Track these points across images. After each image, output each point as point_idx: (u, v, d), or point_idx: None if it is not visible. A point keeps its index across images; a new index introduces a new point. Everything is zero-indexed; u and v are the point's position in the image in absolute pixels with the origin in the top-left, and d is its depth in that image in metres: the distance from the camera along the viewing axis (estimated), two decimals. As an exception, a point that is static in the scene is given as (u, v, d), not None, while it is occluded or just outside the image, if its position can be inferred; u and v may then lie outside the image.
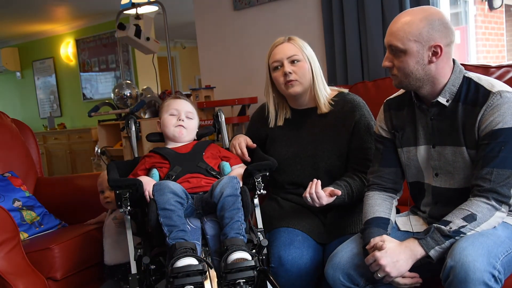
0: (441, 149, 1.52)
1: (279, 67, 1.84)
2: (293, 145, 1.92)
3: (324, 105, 1.88)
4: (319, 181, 1.62)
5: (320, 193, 1.60)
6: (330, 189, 1.64)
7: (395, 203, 1.65)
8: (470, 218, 1.36)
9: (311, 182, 1.63)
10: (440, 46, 1.42)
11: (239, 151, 1.92)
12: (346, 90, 1.96)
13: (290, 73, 1.81)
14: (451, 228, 1.36)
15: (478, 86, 1.46)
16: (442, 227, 1.37)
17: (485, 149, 1.40)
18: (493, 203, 1.37)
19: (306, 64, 1.84)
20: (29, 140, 2.74)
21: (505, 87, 1.44)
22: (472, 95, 1.45)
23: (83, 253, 2.11)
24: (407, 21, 1.42)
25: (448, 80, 1.48)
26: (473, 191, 1.42)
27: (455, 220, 1.37)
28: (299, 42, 1.86)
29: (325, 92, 1.89)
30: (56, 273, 1.98)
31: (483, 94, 1.43)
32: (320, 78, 1.88)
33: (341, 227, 1.80)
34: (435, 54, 1.43)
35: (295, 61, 1.83)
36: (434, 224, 1.39)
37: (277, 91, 1.92)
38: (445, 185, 1.53)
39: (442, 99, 1.48)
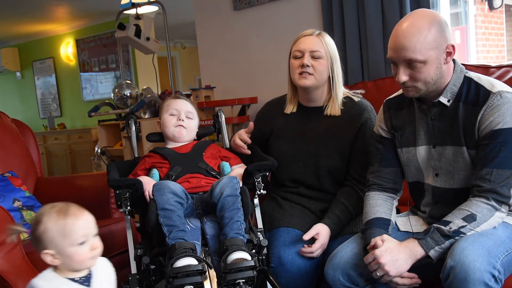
0: (442, 149, 1.52)
1: (299, 56, 1.85)
2: (296, 143, 1.93)
3: (338, 107, 1.88)
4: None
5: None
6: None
7: (395, 203, 1.65)
8: (470, 218, 1.36)
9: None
10: (452, 45, 1.43)
11: (239, 141, 1.91)
12: (359, 95, 1.95)
13: (307, 65, 1.82)
14: (451, 228, 1.36)
15: (478, 86, 1.46)
16: (442, 227, 1.37)
17: (484, 149, 1.41)
18: (493, 203, 1.37)
19: (326, 62, 1.84)
20: (29, 140, 2.74)
21: (505, 87, 1.44)
22: (473, 95, 1.46)
23: (83, 253, 2.10)
24: (418, 31, 1.40)
25: (450, 80, 1.48)
26: (473, 191, 1.42)
27: (455, 220, 1.37)
28: (326, 39, 1.85)
29: (341, 95, 1.90)
30: (56, 273, 1.98)
31: (484, 94, 1.43)
32: (340, 79, 1.88)
33: (340, 226, 1.80)
34: (449, 54, 1.44)
35: (317, 57, 1.83)
36: (434, 224, 1.39)
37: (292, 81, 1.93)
38: (445, 185, 1.54)
39: (443, 99, 1.48)
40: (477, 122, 1.43)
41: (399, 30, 1.43)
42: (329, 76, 1.87)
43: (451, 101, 1.49)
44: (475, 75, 1.50)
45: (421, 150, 1.58)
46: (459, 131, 1.47)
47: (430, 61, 1.41)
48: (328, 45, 1.84)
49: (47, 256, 1.21)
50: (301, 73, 1.84)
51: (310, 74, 1.83)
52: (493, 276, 1.26)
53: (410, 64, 1.42)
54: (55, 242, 1.21)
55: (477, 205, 1.38)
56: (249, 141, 1.92)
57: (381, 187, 1.64)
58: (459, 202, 1.44)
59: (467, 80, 1.49)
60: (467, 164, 1.48)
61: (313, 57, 1.83)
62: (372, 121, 1.86)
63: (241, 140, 1.92)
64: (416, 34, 1.39)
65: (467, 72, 1.51)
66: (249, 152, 1.91)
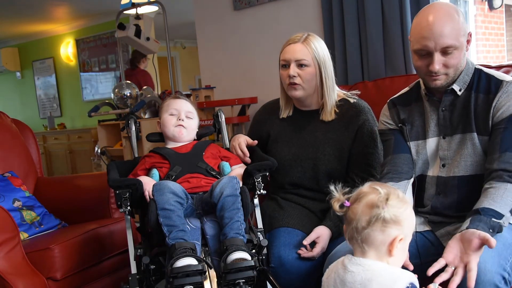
0: (451, 139, 1.55)
1: (286, 66, 1.84)
2: (294, 147, 1.92)
3: (330, 113, 1.87)
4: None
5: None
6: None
7: (409, 185, 1.62)
8: None
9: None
10: (470, 33, 1.49)
11: (239, 152, 1.92)
12: (355, 96, 1.93)
13: (294, 76, 1.81)
14: (504, 223, 1.34)
15: (489, 76, 1.53)
16: (496, 220, 1.32)
17: (502, 133, 1.43)
18: None
19: (313, 70, 1.82)
20: (29, 140, 2.74)
21: None
22: (484, 84, 1.51)
23: (83, 253, 2.11)
24: (451, 19, 1.45)
25: (463, 69, 1.53)
26: (501, 175, 1.40)
27: (507, 214, 1.35)
28: (313, 44, 1.81)
29: (334, 99, 1.88)
30: (56, 273, 1.98)
31: (495, 83, 1.49)
32: (331, 83, 1.85)
33: (341, 227, 1.80)
34: (468, 42, 1.50)
35: (303, 65, 1.81)
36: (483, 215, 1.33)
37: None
38: (448, 173, 1.55)
39: (456, 87, 1.53)
40: (492, 109, 1.47)
41: (430, 20, 1.45)
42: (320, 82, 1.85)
43: (462, 90, 1.53)
44: (483, 68, 1.56)
45: (431, 142, 1.60)
46: (470, 118, 1.51)
47: (461, 47, 1.47)
48: (315, 50, 1.81)
49: (399, 242, 1.13)
50: (290, 84, 1.83)
51: (298, 84, 1.82)
52: (503, 278, 1.27)
53: (446, 51, 1.45)
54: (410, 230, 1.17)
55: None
56: (247, 154, 1.91)
57: (396, 174, 1.61)
58: (460, 190, 1.48)
59: (477, 71, 1.55)
60: (476, 150, 1.50)
61: (299, 66, 1.81)
62: (369, 122, 1.85)
63: (241, 150, 1.92)
64: (451, 21, 1.44)
65: (477, 65, 1.57)
66: (249, 160, 1.91)
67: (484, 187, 1.42)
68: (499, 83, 1.48)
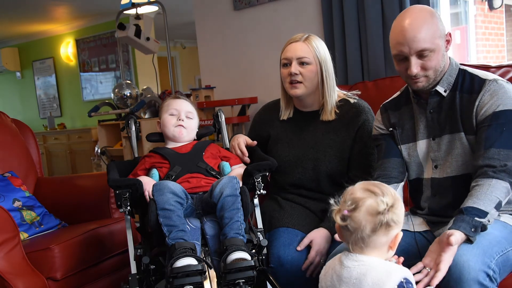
0: (440, 140, 1.56)
1: (287, 64, 1.84)
2: (295, 148, 1.92)
3: (330, 112, 1.87)
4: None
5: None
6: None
7: (399, 189, 1.64)
8: (498, 206, 1.37)
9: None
10: (449, 33, 1.51)
11: (238, 152, 1.92)
12: (355, 97, 1.93)
13: (296, 74, 1.81)
14: (489, 221, 1.35)
15: (473, 76, 1.54)
16: (480, 220, 1.32)
17: (486, 131, 1.45)
18: (508, 182, 1.39)
19: (315, 68, 1.83)
20: (29, 140, 2.74)
21: (498, 77, 1.52)
22: (468, 84, 1.53)
23: (83, 253, 2.11)
24: (425, 23, 1.47)
25: (446, 70, 1.55)
26: (486, 171, 1.41)
27: (491, 211, 1.36)
28: (314, 43, 1.83)
29: (334, 99, 1.88)
30: (56, 273, 1.98)
31: (479, 82, 1.51)
32: (331, 82, 1.86)
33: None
34: (448, 42, 1.52)
35: (304, 63, 1.82)
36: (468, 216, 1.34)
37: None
38: (442, 174, 1.56)
39: (440, 88, 1.54)
40: (475, 108, 1.48)
41: (405, 25, 1.48)
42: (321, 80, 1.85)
43: (447, 91, 1.55)
44: (468, 68, 1.58)
45: (421, 144, 1.61)
46: (456, 118, 1.52)
47: (437, 49, 1.48)
48: (316, 49, 1.82)
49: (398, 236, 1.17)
50: (291, 82, 1.83)
51: (300, 82, 1.82)
52: (488, 275, 1.27)
53: (421, 55, 1.47)
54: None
55: (496, 188, 1.37)
56: (246, 153, 1.91)
57: (385, 178, 1.62)
58: (455, 190, 1.48)
59: (462, 72, 1.56)
60: (465, 150, 1.51)
61: (301, 64, 1.82)
62: (369, 122, 1.86)
63: (240, 150, 1.92)
64: (424, 25, 1.46)
65: (461, 66, 1.59)
66: (248, 160, 1.92)
67: (471, 185, 1.43)
68: (482, 82, 1.50)
